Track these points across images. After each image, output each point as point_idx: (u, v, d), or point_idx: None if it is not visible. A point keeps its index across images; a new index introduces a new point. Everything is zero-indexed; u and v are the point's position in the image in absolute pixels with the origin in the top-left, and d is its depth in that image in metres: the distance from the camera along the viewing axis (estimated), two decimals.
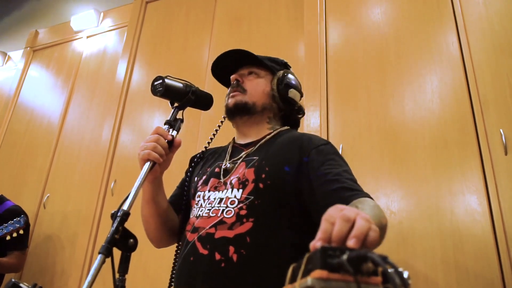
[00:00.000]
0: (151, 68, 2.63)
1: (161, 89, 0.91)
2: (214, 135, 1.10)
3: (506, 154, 1.43)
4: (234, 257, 0.83)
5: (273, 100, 1.08)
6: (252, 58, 1.09)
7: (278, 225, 0.88)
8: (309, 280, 0.39)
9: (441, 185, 1.51)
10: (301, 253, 0.88)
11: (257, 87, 1.08)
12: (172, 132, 0.89)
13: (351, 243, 0.43)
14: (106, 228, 2.24)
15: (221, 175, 0.99)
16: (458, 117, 1.57)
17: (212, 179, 1.00)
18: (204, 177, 1.03)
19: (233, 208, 0.89)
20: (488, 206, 1.41)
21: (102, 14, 3.21)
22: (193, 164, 1.14)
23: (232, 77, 1.11)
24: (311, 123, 1.82)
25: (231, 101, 1.07)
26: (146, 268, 1.97)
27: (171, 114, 0.92)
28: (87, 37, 3.18)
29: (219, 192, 0.95)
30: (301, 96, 1.14)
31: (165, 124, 0.91)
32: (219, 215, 0.89)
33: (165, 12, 2.76)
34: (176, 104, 0.95)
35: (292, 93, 1.09)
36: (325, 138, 1.78)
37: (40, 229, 2.58)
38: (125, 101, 2.59)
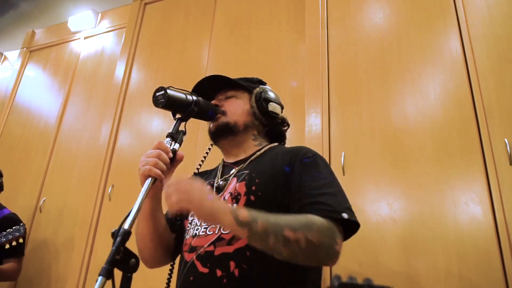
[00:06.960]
0: (149, 70, 2.60)
1: (163, 100, 0.89)
2: (202, 161, 1.09)
3: (510, 164, 1.41)
4: (236, 272, 0.84)
5: (255, 117, 1.09)
6: (227, 82, 1.09)
7: None
8: None
9: (445, 194, 1.49)
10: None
11: (237, 107, 1.09)
12: (174, 145, 0.87)
13: None
14: (104, 234, 2.20)
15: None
16: (461, 125, 1.56)
17: None
18: None
19: None
20: (493, 216, 1.39)
21: (100, 15, 3.17)
22: None
23: (212, 103, 1.10)
24: (312, 129, 1.80)
25: (212, 125, 1.07)
26: (147, 278, 1.94)
27: (173, 126, 0.90)
28: (85, 38, 3.15)
29: None
30: (282, 108, 1.15)
31: (167, 136, 0.88)
32: (216, 232, 0.90)
33: (164, 14, 2.73)
34: (178, 116, 0.93)
35: (272, 106, 1.10)
36: (327, 144, 1.76)
37: (36, 233, 2.54)
38: (123, 103, 2.55)
